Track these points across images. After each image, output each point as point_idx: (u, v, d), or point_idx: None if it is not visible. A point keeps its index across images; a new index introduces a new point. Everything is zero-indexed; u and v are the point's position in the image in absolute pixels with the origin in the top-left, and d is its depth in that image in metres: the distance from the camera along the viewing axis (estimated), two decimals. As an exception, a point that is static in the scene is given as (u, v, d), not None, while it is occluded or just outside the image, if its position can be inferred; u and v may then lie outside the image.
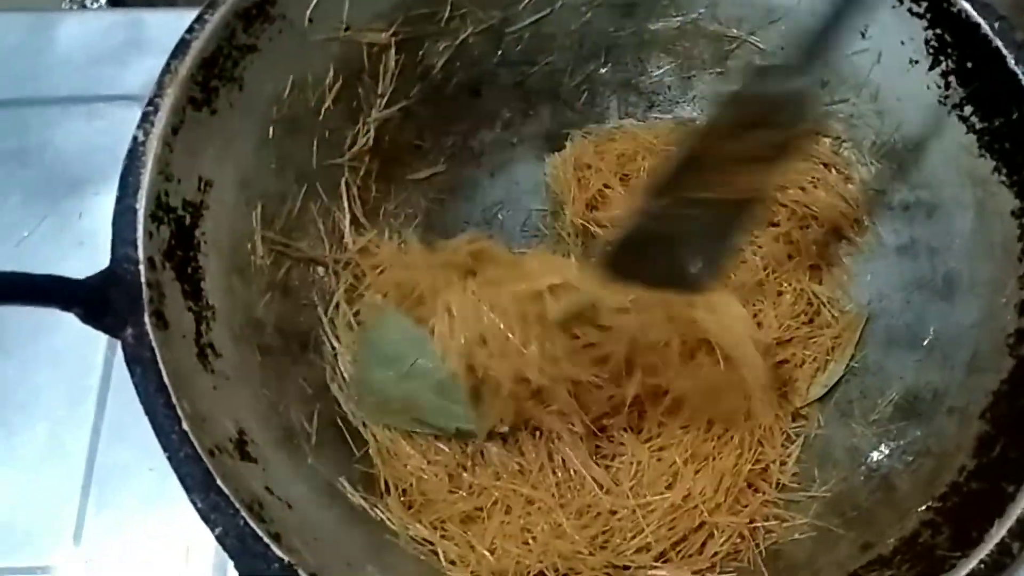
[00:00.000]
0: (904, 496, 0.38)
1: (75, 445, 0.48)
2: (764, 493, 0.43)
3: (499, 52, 0.51)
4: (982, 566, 0.31)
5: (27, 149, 0.55)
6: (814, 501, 0.42)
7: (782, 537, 0.41)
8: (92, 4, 0.64)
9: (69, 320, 0.40)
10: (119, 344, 0.34)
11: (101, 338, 0.50)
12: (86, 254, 0.52)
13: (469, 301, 0.43)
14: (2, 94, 0.57)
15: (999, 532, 0.32)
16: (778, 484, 0.44)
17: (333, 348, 0.46)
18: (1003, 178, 0.40)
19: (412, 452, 0.44)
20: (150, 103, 0.38)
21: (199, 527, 0.32)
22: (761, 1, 0.48)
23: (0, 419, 0.49)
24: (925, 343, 0.43)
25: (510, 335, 0.42)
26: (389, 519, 0.41)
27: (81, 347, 0.50)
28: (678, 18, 0.51)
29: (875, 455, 0.42)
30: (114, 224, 0.36)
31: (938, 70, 0.42)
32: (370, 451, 0.44)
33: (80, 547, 0.46)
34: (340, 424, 0.43)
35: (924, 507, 0.36)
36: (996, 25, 0.40)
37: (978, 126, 0.41)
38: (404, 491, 0.44)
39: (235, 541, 0.31)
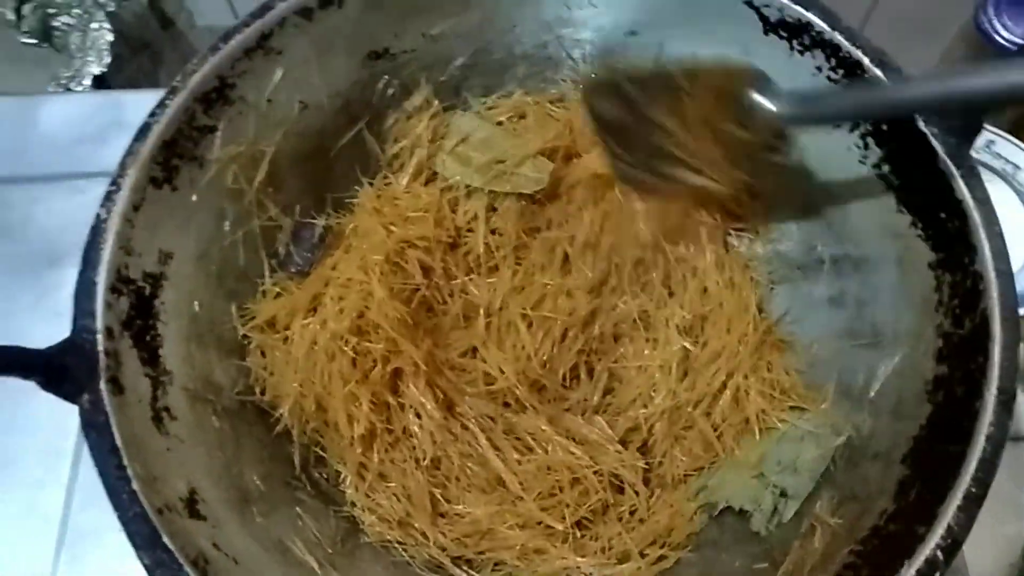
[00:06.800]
0: (830, 541, 0.39)
1: (49, 508, 0.50)
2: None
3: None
4: (892, 605, 0.33)
5: (11, 225, 0.58)
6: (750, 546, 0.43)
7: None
8: (76, 87, 0.68)
9: (45, 386, 0.42)
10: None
11: (75, 404, 0.52)
12: (64, 323, 0.54)
13: None
14: (-10, 172, 0.60)
15: (908, 573, 0.33)
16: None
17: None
18: (919, 232, 0.42)
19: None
20: (113, 183, 0.41)
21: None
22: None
23: (-21, 483, 0.51)
24: (855, 392, 0.44)
25: None
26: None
27: (56, 413, 0.52)
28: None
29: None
30: (75, 297, 0.38)
31: (857, 132, 0.45)
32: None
33: (51, 606, 0.48)
34: (292, 483, 0.44)
35: (847, 550, 0.37)
36: (906, 90, 0.43)
37: (895, 183, 0.44)
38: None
39: (179, 595, 0.33)
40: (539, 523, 0.45)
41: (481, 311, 0.49)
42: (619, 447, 0.47)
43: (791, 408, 0.47)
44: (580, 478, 0.46)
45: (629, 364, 0.49)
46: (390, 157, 0.53)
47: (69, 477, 0.51)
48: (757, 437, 0.47)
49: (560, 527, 0.45)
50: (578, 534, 0.45)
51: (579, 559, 0.45)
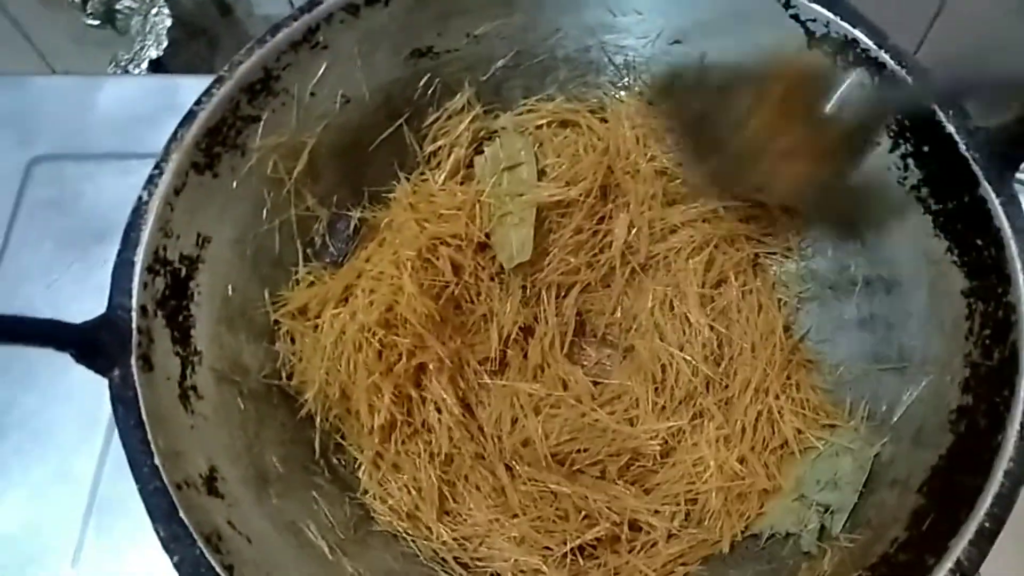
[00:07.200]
0: (839, 563, 0.39)
1: (81, 475, 0.52)
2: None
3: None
4: (893, 636, 0.32)
5: (64, 200, 0.60)
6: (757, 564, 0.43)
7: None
8: (134, 70, 0.70)
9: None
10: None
11: (112, 376, 0.54)
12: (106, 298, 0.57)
13: None
14: (48, 149, 0.63)
15: (913, 604, 0.33)
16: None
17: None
18: (955, 258, 0.42)
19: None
20: (156, 167, 0.42)
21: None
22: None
23: (18, 445, 0.53)
24: (878, 417, 0.44)
25: None
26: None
27: (93, 385, 0.54)
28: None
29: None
30: (113, 275, 0.40)
31: (898, 152, 0.44)
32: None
33: (77, 569, 0.49)
34: (311, 467, 0.45)
35: (856, 575, 0.37)
36: (950, 112, 0.42)
37: (933, 207, 0.43)
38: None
39: (190, 569, 0.34)
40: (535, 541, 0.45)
41: (494, 332, 0.50)
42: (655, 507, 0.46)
43: (822, 426, 0.47)
44: (589, 514, 0.45)
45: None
46: (428, 154, 0.53)
47: (102, 447, 0.53)
48: (798, 457, 0.46)
49: (556, 550, 0.44)
50: (581, 562, 0.45)
51: None
